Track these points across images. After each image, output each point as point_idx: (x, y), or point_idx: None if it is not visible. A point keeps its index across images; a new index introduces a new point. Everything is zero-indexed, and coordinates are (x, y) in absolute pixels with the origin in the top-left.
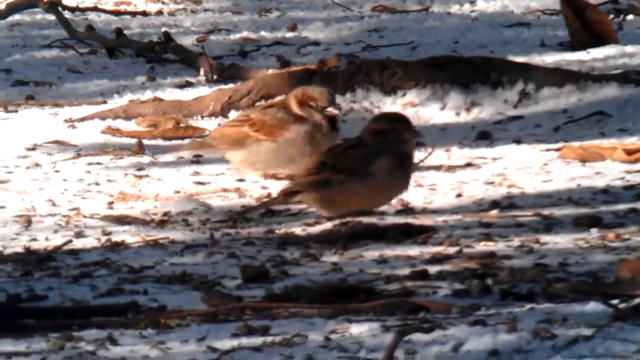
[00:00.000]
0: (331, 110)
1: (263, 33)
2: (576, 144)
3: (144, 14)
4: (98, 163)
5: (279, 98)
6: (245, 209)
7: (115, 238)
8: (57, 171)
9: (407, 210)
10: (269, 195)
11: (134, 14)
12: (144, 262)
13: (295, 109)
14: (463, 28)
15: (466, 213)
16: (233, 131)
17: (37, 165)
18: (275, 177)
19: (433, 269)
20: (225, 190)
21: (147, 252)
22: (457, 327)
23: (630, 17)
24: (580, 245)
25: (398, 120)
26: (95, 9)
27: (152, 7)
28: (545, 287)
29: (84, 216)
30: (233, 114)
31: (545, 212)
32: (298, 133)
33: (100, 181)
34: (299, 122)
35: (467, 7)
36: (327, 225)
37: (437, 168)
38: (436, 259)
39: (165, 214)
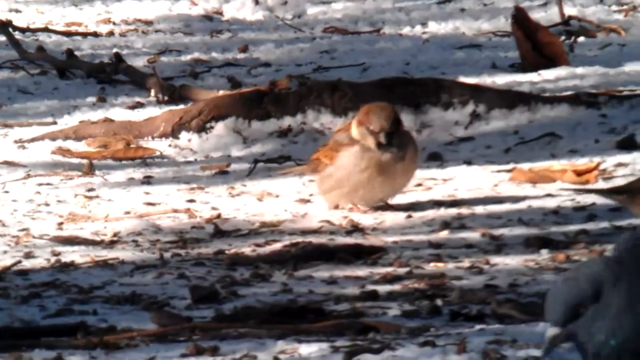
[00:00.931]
0: (380, 138)
1: (214, 54)
2: (527, 165)
3: (95, 34)
4: (48, 184)
5: (348, 121)
6: None
7: (65, 259)
8: (7, 192)
9: (357, 230)
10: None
11: (85, 34)
12: (94, 283)
13: (353, 130)
14: (414, 49)
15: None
16: (314, 157)
17: None
18: (357, 208)
19: (383, 290)
20: (175, 210)
21: (96, 273)
22: (407, 348)
23: (581, 38)
24: (531, 267)
25: None
26: (46, 29)
27: (103, 28)
28: (495, 308)
29: (34, 237)
30: (184, 135)
31: (496, 233)
32: (349, 152)
33: (50, 202)
34: (350, 144)
35: (418, 28)
36: (277, 245)
37: None
38: (386, 280)
39: (115, 234)
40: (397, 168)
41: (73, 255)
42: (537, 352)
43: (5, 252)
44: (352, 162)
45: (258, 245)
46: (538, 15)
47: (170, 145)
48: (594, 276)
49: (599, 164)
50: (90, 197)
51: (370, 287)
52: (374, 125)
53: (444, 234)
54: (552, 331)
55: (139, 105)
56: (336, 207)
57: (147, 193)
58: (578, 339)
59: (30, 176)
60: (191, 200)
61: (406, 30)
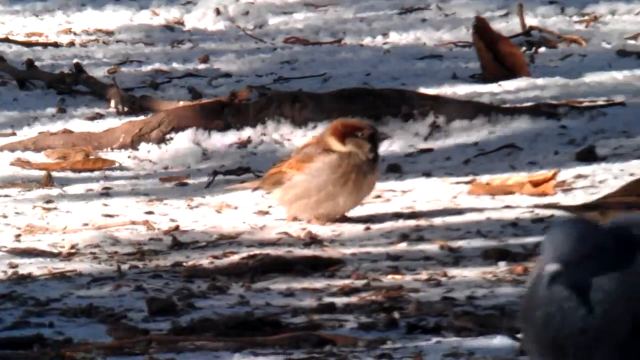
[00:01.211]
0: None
1: (175, 65)
2: (486, 177)
3: (56, 45)
4: (6, 195)
5: (313, 137)
6: None
7: (22, 271)
8: None
9: (315, 242)
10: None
11: (45, 45)
12: (51, 295)
13: (336, 143)
14: (375, 60)
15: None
16: (274, 171)
17: None
18: (318, 219)
19: (340, 302)
20: (133, 222)
21: (53, 285)
22: None
23: (542, 49)
24: (488, 279)
25: None
26: (6, 40)
27: (64, 39)
28: (452, 321)
29: None
30: (143, 146)
31: (454, 245)
32: (323, 162)
33: (7, 213)
34: (325, 153)
35: (379, 39)
36: (235, 258)
37: None
38: (343, 292)
39: (72, 246)
40: (368, 178)
41: (30, 267)
42: None
43: None
44: (329, 170)
45: (216, 257)
46: (499, 26)
47: (129, 157)
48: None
49: (555, 174)
50: (49, 209)
51: (327, 300)
52: (365, 131)
53: (402, 246)
54: (553, 267)
55: (99, 116)
56: (295, 218)
57: (106, 205)
58: (577, 285)
59: None
60: (149, 212)
61: (367, 40)
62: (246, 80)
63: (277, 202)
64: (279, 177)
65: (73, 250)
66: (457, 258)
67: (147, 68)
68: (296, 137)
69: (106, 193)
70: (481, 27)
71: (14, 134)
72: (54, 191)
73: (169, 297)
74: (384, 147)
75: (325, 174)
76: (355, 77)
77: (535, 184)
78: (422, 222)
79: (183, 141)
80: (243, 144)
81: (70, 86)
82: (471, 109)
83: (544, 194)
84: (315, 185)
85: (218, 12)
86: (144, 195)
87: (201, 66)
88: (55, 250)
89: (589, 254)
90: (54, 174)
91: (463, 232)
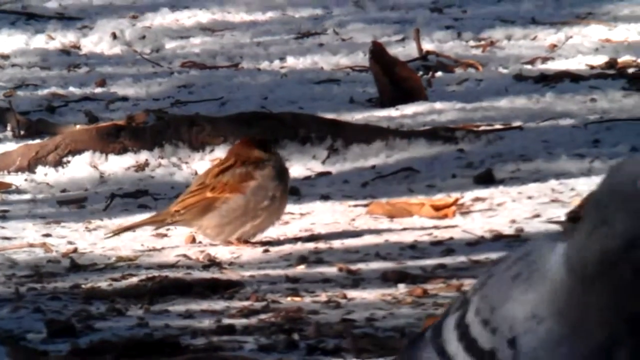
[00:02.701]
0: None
1: (71, 88)
2: (384, 200)
3: None
4: None
5: (220, 160)
6: None
7: None
8: None
9: (214, 265)
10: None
11: None
12: None
13: (265, 154)
14: (272, 84)
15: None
16: (196, 199)
17: None
18: (247, 242)
19: (239, 324)
20: (31, 245)
21: None
22: None
23: (439, 73)
24: (388, 301)
25: None
26: None
27: None
28: (352, 342)
29: None
30: (40, 169)
31: (353, 267)
32: (263, 176)
33: None
34: (259, 167)
35: (276, 63)
36: (134, 280)
37: None
38: (243, 314)
39: None
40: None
41: None
42: None
43: None
44: (270, 181)
45: (114, 280)
46: (396, 51)
47: (26, 180)
48: None
49: (457, 200)
50: None
51: (226, 321)
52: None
53: (301, 268)
54: None
55: None
56: (193, 240)
57: (3, 227)
58: None
59: None
60: (47, 235)
61: (264, 64)
62: (143, 104)
63: (205, 231)
64: (205, 204)
65: None
66: (357, 280)
67: (43, 92)
68: (194, 161)
69: (3, 216)
70: (378, 52)
71: None
72: None
73: (68, 318)
74: None
75: (268, 186)
76: (253, 100)
77: (437, 208)
78: (321, 244)
79: (80, 164)
80: (141, 168)
81: None
82: (369, 133)
83: (444, 217)
84: (260, 199)
85: (114, 36)
86: (42, 218)
87: (98, 90)
88: None
89: None
90: None
91: (362, 255)
